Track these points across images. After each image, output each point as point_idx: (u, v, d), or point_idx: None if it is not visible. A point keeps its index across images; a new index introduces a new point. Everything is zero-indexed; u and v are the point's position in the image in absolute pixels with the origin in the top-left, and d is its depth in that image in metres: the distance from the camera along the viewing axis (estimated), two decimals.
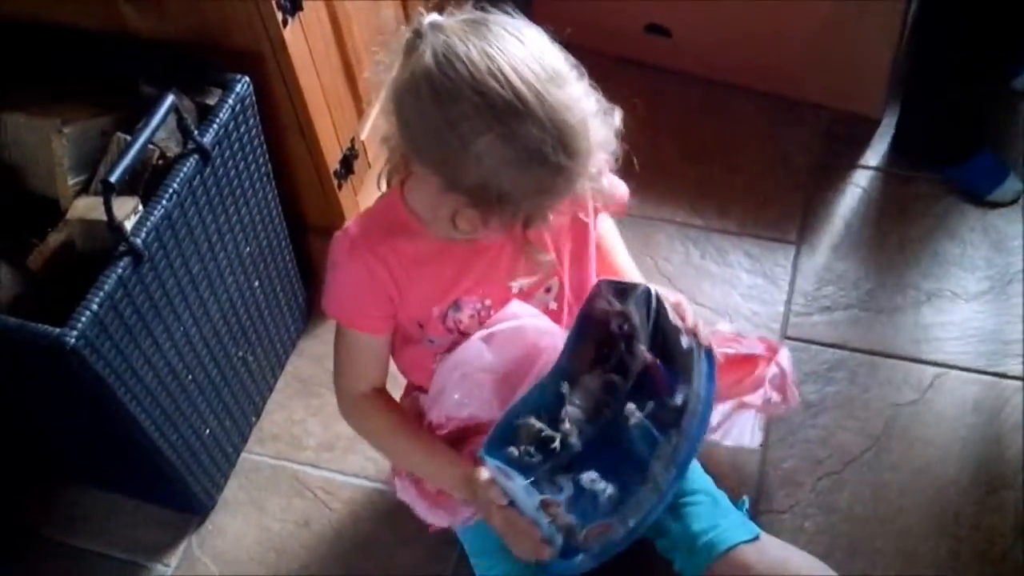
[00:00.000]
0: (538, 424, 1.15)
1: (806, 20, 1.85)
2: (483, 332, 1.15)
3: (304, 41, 1.47)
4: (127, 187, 1.27)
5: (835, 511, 1.51)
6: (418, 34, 0.99)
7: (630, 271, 1.31)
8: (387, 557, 1.51)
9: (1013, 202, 1.82)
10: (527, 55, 0.96)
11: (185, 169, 1.31)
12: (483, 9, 1.03)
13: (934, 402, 1.60)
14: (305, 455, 1.64)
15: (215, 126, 1.35)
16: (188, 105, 1.38)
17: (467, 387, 1.17)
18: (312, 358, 1.74)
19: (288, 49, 1.43)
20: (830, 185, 1.88)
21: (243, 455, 1.64)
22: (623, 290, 1.18)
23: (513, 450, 1.14)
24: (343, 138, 1.64)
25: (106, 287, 1.20)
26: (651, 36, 2.01)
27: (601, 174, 1.05)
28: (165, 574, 1.55)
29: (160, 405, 1.37)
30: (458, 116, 0.95)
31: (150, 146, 1.29)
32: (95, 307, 1.18)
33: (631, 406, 1.15)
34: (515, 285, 1.17)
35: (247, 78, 1.41)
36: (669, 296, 1.16)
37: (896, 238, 1.80)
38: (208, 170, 1.36)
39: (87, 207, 1.29)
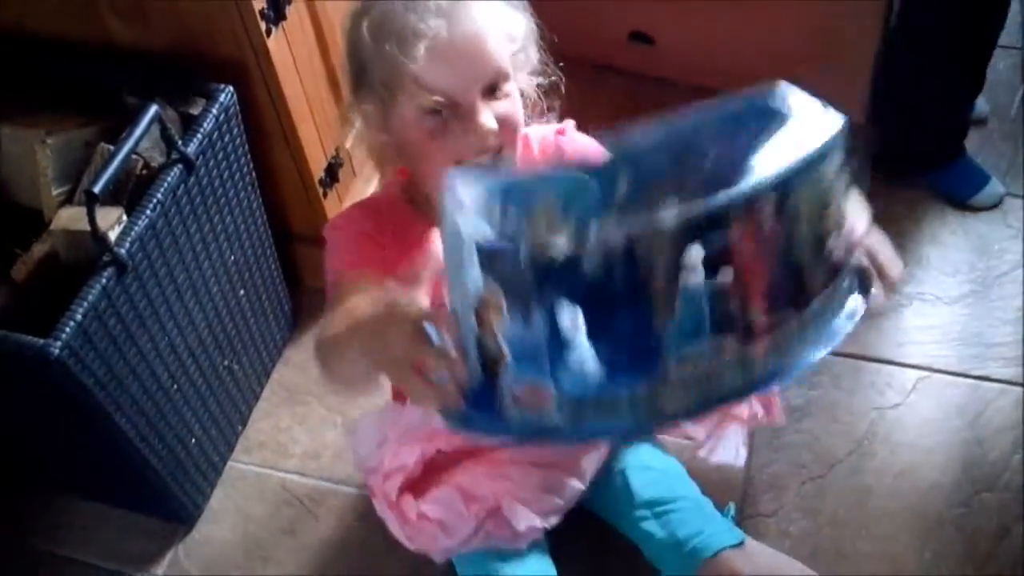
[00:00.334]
0: (559, 216, 0.73)
1: (788, 28, 1.87)
2: None
3: (288, 50, 1.47)
4: (111, 197, 1.27)
5: (820, 515, 1.51)
6: None
7: None
8: (374, 565, 1.51)
9: (994, 206, 1.84)
10: None
11: (169, 179, 1.31)
12: None
13: (917, 405, 1.62)
14: (291, 463, 1.64)
15: (199, 136, 1.36)
16: (172, 115, 1.38)
17: None
18: (298, 366, 1.74)
19: (272, 58, 1.43)
20: None
21: (229, 463, 1.64)
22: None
23: (497, 215, 0.75)
24: (328, 146, 1.64)
25: (90, 297, 1.20)
26: (634, 44, 2.02)
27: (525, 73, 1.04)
28: None
29: (145, 414, 1.37)
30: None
31: (134, 156, 1.29)
32: (79, 317, 1.18)
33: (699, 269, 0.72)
34: None
35: (231, 88, 1.41)
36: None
37: None
38: (192, 179, 1.36)
39: (71, 218, 1.29)
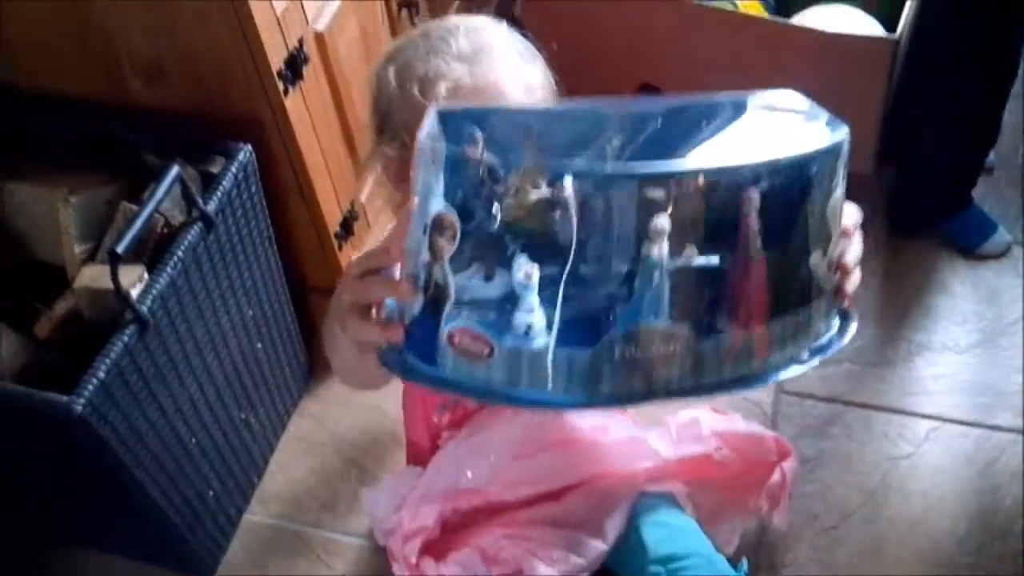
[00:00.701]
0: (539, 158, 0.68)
1: (795, 80, 1.89)
2: None
3: (305, 108, 1.50)
4: (133, 255, 1.29)
5: (834, 565, 1.51)
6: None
7: None
8: None
9: (1001, 255, 1.86)
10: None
11: (189, 237, 1.34)
12: None
13: (929, 455, 1.62)
14: (307, 516, 1.65)
15: (218, 194, 1.38)
16: (191, 173, 1.41)
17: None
18: (313, 417, 1.75)
19: (289, 116, 1.46)
20: None
21: (245, 516, 1.65)
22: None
23: (474, 150, 0.68)
24: (343, 201, 1.67)
25: (112, 355, 1.22)
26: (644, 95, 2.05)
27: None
28: None
29: (164, 469, 1.38)
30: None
31: (155, 215, 1.32)
32: (102, 375, 1.20)
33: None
34: None
35: (249, 146, 1.44)
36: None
37: (887, 292, 1.83)
38: (212, 237, 1.38)
39: (93, 276, 1.31)
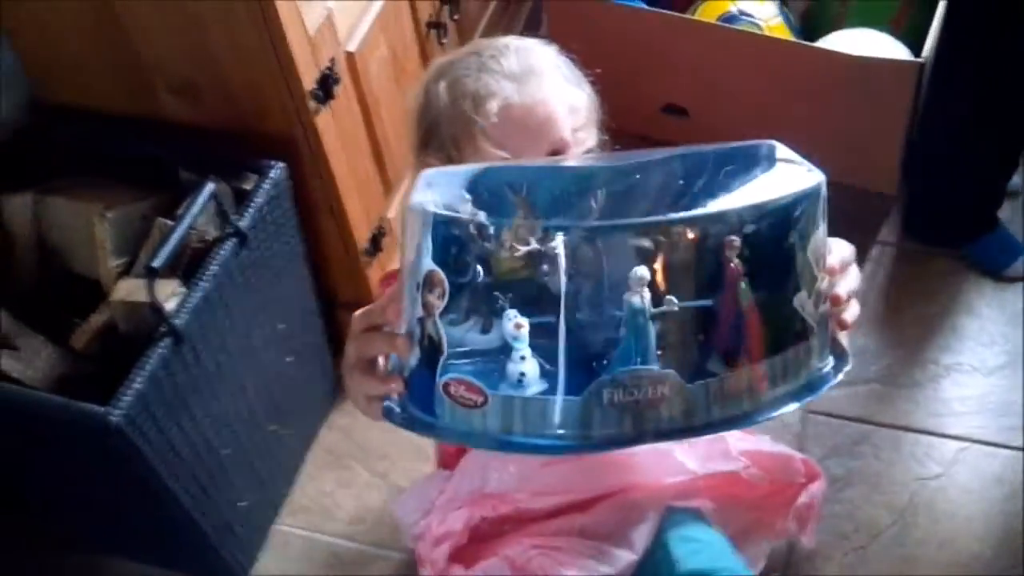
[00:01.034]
0: (528, 212, 0.74)
1: (820, 102, 1.91)
2: None
3: (335, 127, 1.52)
4: (168, 269, 1.32)
5: None
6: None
7: None
8: None
9: None
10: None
11: (223, 252, 1.36)
12: None
13: (958, 476, 1.62)
14: (335, 527, 1.66)
15: (251, 210, 1.41)
16: (225, 189, 1.43)
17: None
18: (342, 430, 1.76)
19: (320, 135, 1.48)
20: None
21: (275, 527, 1.66)
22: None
23: (467, 209, 0.72)
24: (372, 217, 1.69)
25: (148, 367, 1.24)
26: (669, 116, 2.07)
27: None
28: None
29: (197, 479, 1.40)
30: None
31: (190, 230, 1.34)
32: (138, 386, 1.22)
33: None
34: None
35: (282, 164, 1.47)
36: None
37: (914, 313, 1.83)
38: (244, 252, 1.40)
39: (129, 290, 1.33)
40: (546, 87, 1.04)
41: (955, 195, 1.86)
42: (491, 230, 0.70)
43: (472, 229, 0.70)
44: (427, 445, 1.34)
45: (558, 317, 0.70)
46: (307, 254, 1.59)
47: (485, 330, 0.71)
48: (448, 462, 1.32)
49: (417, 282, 0.73)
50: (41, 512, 1.58)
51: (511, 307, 0.70)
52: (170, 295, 1.31)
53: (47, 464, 1.42)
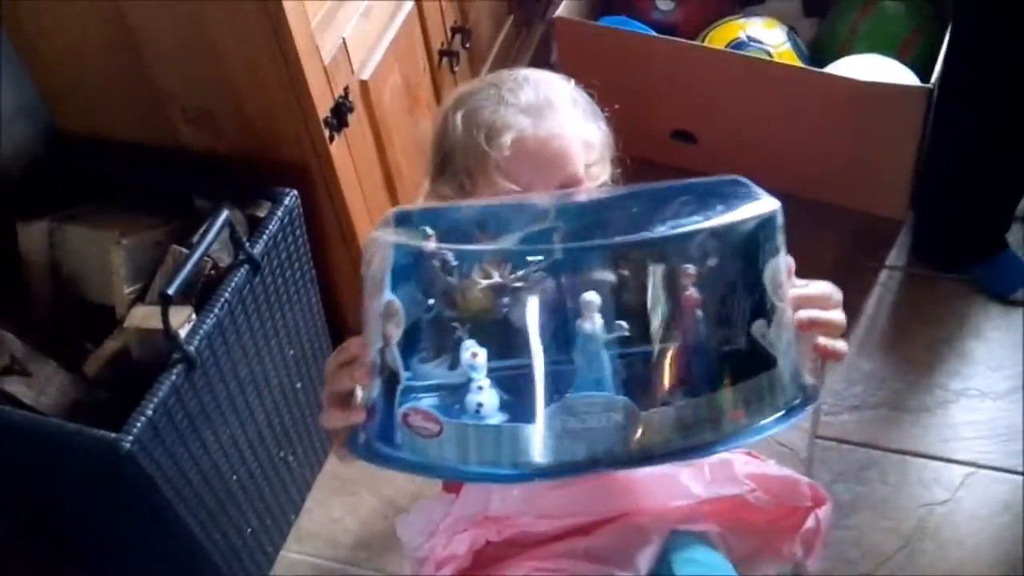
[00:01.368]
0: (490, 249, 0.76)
1: (828, 128, 1.92)
2: None
3: (348, 155, 1.54)
4: (181, 296, 1.33)
5: None
6: None
7: None
8: None
9: None
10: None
11: (236, 279, 1.38)
12: None
13: (965, 501, 1.62)
14: (342, 553, 1.67)
15: (264, 237, 1.42)
16: (239, 217, 1.45)
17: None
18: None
19: (334, 163, 1.50)
20: (856, 286, 1.92)
21: (282, 553, 1.67)
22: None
23: (428, 245, 0.74)
24: None
25: (160, 393, 1.25)
26: (677, 142, 2.08)
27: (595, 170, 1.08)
28: None
29: (206, 505, 1.41)
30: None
31: (204, 257, 1.36)
32: (150, 413, 1.23)
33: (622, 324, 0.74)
34: None
35: (295, 192, 1.48)
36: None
37: (922, 337, 1.83)
38: (257, 279, 1.42)
39: (143, 316, 1.35)
40: (561, 121, 1.05)
41: (963, 219, 1.87)
42: (453, 264, 0.72)
43: (436, 264, 0.72)
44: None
45: (522, 350, 0.71)
46: (318, 280, 1.61)
47: (453, 366, 0.73)
48: (453, 485, 1.32)
49: (378, 313, 0.74)
50: (50, 537, 1.59)
51: (469, 338, 0.72)
52: (183, 322, 1.32)
53: (57, 490, 1.43)
